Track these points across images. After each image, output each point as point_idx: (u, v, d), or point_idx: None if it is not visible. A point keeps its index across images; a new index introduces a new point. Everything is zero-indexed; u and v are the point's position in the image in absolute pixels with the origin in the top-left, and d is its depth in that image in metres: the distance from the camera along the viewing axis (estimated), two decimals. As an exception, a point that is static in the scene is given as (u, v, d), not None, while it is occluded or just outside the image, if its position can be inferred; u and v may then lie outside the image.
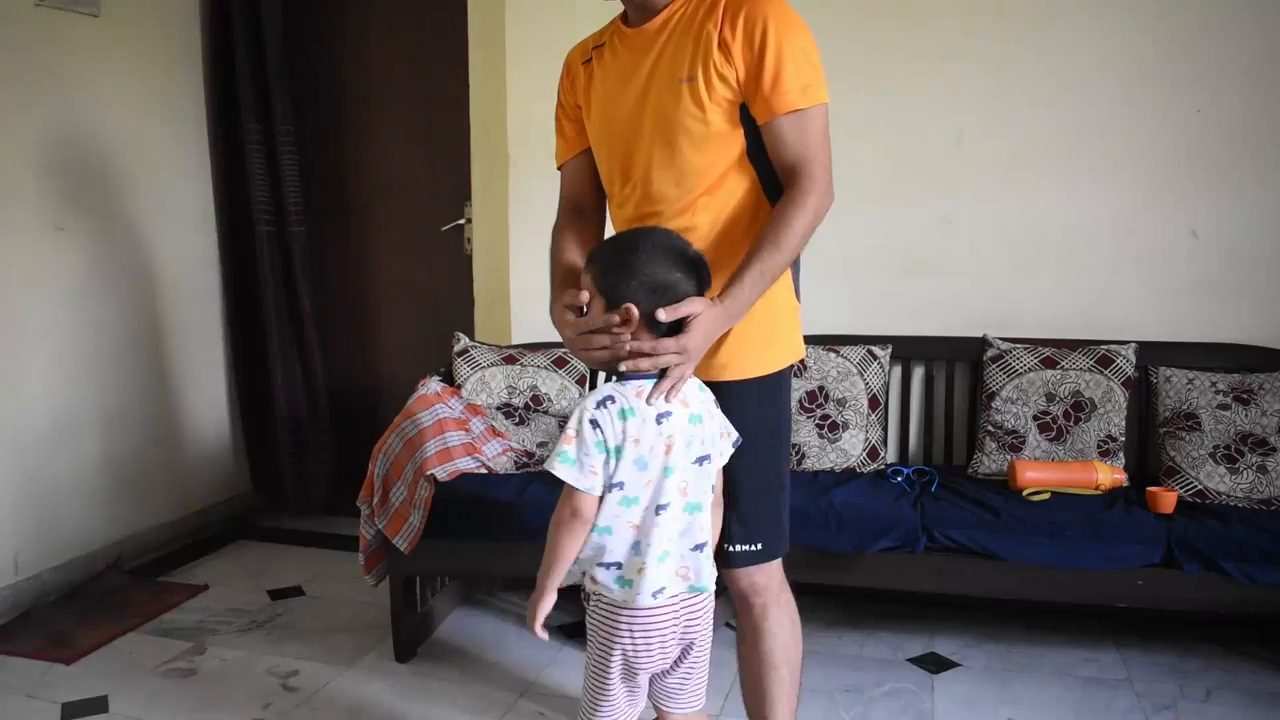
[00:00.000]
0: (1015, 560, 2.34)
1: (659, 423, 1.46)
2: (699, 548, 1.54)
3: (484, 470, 2.72)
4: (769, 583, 1.73)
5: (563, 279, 1.70)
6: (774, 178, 1.61)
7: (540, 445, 2.85)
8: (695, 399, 1.52)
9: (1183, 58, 2.74)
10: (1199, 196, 2.77)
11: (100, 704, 2.34)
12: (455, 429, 2.73)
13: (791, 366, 1.73)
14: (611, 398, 1.46)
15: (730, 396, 1.62)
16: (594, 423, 1.44)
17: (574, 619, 2.75)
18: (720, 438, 1.56)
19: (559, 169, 1.89)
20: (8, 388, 2.86)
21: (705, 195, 1.62)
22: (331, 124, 3.61)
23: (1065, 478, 2.52)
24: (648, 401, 1.46)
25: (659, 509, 1.48)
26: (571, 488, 1.45)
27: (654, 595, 1.49)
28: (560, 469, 1.44)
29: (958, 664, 2.51)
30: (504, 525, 2.49)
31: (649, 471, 1.47)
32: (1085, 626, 2.69)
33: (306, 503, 3.65)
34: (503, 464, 2.76)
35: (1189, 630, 2.64)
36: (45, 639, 2.66)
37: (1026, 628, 2.68)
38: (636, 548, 1.50)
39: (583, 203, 1.83)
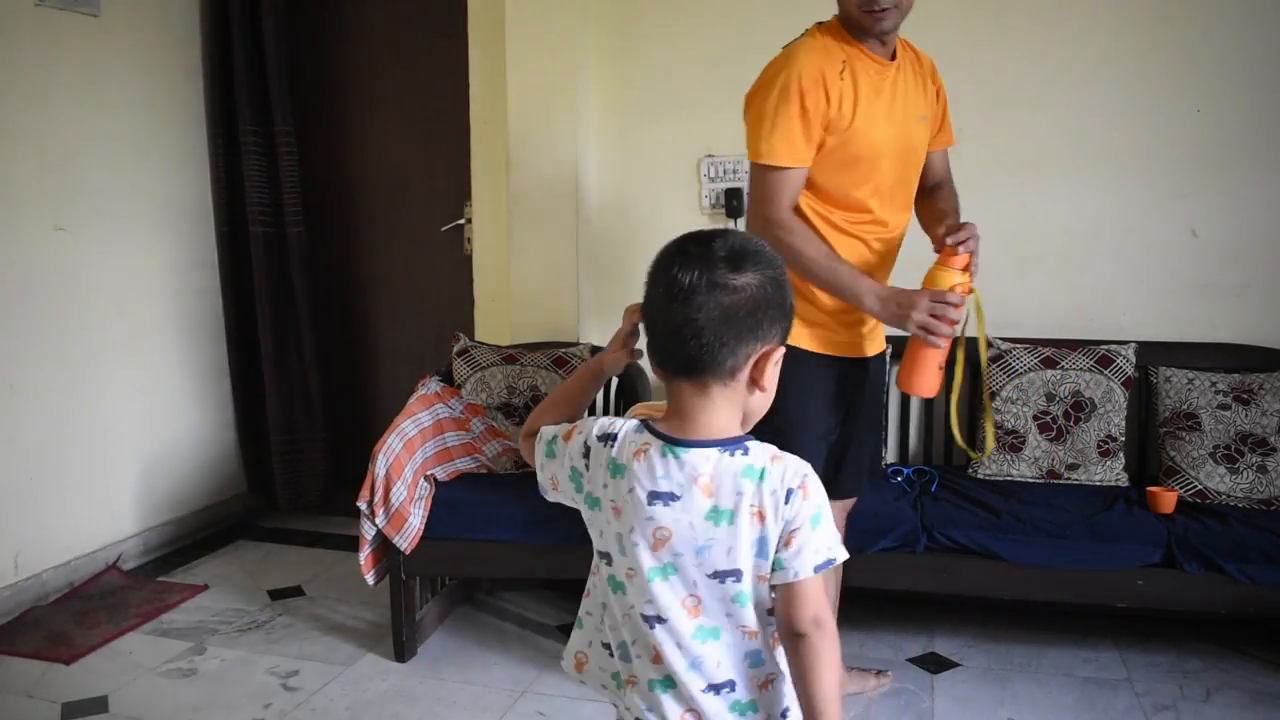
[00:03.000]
0: (1015, 560, 2.33)
1: (650, 504, 1.10)
2: (716, 690, 1.12)
3: (484, 470, 2.73)
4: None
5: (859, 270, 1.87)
6: None
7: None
8: (727, 487, 1.09)
9: (1183, 58, 2.74)
10: (1199, 196, 2.77)
11: (100, 704, 2.34)
12: (455, 429, 2.73)
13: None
14: (614, 436, 1.16)
15: None
16: (586, 448, 1.17)
17: (574, 618, 2.75)
18: (782, 553, 1.09)
19: (787, 169, 1.86)
20: (8, 387, 2.86)
21: None
22: (331, 124, 3.61)
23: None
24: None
25: (651, 620, 1.12)
26: (540, 455, 1.25)
27: None
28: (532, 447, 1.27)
29: (958, 664, 2.51)
30: (504, 525, 2.49)
31: (628, 560, 1.13)
32: (1085, 626, 2.68)
33: (298, 503, 3.65)
34: (503, 464, 2.76)
35: (1189, 630, 2.63)
36: (45, 639, 2.66)
37: (1026, 628, 2.68)
38: (625, 652, 1.17)
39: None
